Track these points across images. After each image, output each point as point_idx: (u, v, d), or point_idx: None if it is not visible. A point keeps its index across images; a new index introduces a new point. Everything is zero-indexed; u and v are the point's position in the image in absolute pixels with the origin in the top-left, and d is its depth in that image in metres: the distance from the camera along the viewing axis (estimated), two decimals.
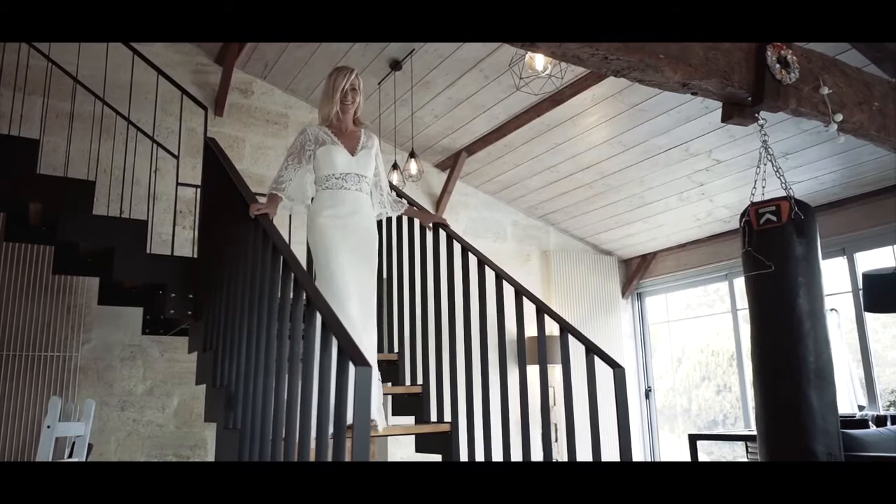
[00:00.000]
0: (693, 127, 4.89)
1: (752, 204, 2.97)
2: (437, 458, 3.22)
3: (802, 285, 2.80)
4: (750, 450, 4.87)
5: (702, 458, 4.83)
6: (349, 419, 1.74)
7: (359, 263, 3.01)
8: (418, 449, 3.35)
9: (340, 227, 3.00)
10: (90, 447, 3.96)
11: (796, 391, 2.73)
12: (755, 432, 2.90)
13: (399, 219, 3.79)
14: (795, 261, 2.82)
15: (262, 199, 3.01)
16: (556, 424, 5.56)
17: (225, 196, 3.23)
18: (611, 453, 2.51)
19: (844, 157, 4.82)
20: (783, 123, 4.36)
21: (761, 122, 3.01)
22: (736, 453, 6.33)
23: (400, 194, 3.55)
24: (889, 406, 5.36)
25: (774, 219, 2.87)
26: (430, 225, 3.51)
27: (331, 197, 3.05)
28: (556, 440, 5.60)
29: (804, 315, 2.77)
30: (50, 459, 3.40)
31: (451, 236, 3.38)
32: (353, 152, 3.10)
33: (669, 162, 5.37)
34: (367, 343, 2.97)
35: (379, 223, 3.38)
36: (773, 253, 2.85)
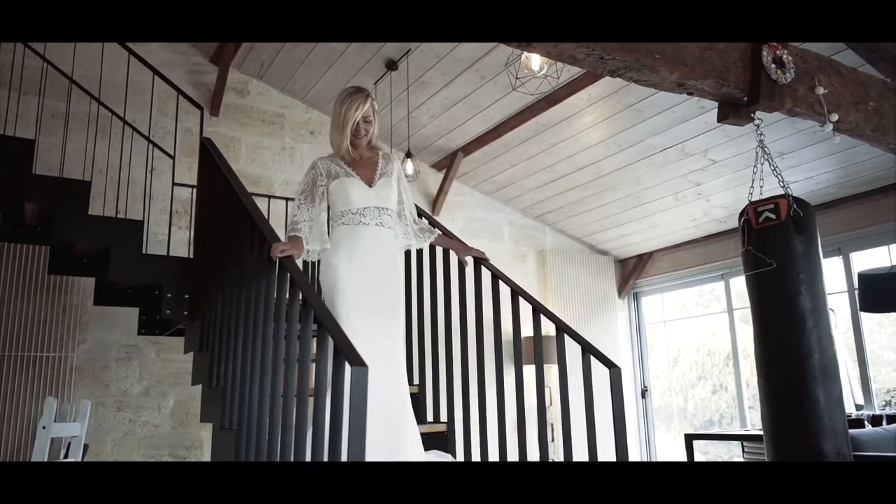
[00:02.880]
0: (689, 127, 4.89)
1: (751, 203, 2.96)
2: None
3: (804, 282, 2.77)
4: (746, 450, 4.87)
5: (698, 457, 4.83)
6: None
7: (377, 310, 2.68)
8: None
9: (356, 269, 2.68)
10: (86, 447, 3.95)
11: (802, 389, 2.69)
12: (751, 432, 2.89)
13: None
14: (796, 258, 2.80)
15: (259, 200, 2.97)
16: (552, 424, 5.57)
17: (221, 196, 3.22)
18: (607, 453, 2.51)
19: (840, 157, 4.84)
20: (779, 123, 4.37)
21: (757, 121, 3.01)
22: (732, 453, 6.34)
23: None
24: (885, 405, 5.38)
25: (773, 217, 2.86)
26: (467, 259, 3.12)
27: (346, 234, 2.74)
28: (553, 440, 5.61)
29: (807, 312, 2.75)
30: (45, 460, 3.40)
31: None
32: (370, 183, 2.79)
33: (665, 162, 5.37)
34: (404, 417, 2.70)
35: None
36: (773, 251, 2.82)
